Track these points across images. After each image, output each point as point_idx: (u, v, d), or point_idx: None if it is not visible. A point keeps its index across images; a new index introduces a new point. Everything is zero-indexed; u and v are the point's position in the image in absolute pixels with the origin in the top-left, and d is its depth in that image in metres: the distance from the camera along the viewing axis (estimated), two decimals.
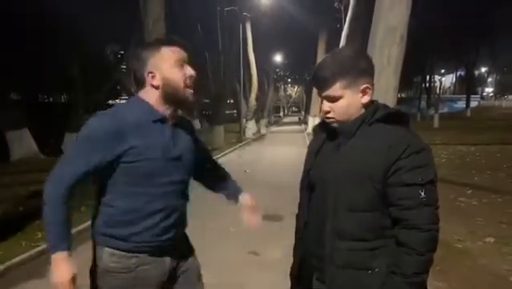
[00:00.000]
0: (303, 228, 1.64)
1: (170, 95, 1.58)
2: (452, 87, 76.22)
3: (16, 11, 12.45)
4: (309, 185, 1.62)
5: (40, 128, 13.05)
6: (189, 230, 1.88)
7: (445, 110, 44.77)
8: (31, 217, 5.47)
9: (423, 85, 40.99)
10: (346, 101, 1.46)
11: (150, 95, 1.59)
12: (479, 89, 64.45)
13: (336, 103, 1.47)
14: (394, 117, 1.46)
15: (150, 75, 1.56)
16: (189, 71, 1.62)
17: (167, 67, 1.56)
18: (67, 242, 1.50)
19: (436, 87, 50.19)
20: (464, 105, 40.01)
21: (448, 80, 74.63)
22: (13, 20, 12.80)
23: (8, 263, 4.04)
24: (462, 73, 56.04)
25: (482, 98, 61.89)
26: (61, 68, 15.38)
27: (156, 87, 1.57)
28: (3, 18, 12.24)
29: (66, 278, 1.47)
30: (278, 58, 33.54)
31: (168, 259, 1.67)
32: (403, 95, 57.73)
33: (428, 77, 39.24)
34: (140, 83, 1.60)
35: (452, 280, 3.68)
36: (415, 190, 1.35)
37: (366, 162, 1.40)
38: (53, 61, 15.85)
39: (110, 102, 21.28)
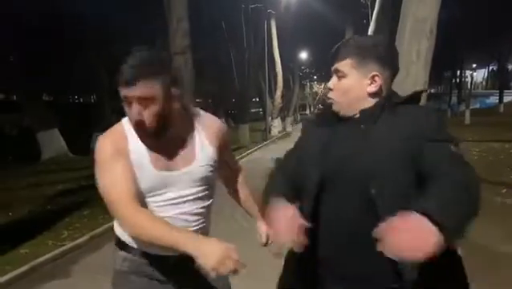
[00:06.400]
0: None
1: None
2: (484, 82, 73.96)
3: (48, 15, 12.83)
4: (317, 185, 1.38)
5: (70, 128, 13.37)
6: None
7: (477, 106, 43.47)
8: (59, 216, 5.56)
9: (453, 80, 39.91)
10: (350, 82, 1.36)
11: None
12: None
13: (340, 82, 1.38)
14: (416, 97, 1.42)
15: None
16: (133, 114, 1.37)
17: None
18: None
19: (467, 82, 48.86)
20: (497, 100, 38.72)
21: (479, 75, 72.41)
22: (44, 23, 13.18)
23: (32, 263, 4.09)
24: (495, 67, 54.28)
25: None
26: (89, 69, 15.75)
27: None
28: (36, 22, 12.62)
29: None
30: (303, 55, 33.18)
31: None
32: (432, 90, 56.38)
33: (458, 72, 38.18)
34: None
35: (491, 287, 3.48)
36: (446, 145, 1.25)
37: (405, 142, 1.26)
38: (82, 63, 16.23)
39: None
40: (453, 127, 19.32)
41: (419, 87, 4.96)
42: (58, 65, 17.08)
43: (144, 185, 1.46)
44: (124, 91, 1.36)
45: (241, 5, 17.18)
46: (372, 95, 1.37)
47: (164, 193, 1.50)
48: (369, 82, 1.35)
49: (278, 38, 21.43)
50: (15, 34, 11.48)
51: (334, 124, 1.44)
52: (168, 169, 1.49)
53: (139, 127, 1.39)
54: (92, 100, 32.47)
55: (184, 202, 1.54)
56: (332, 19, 21.66)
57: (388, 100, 1.36)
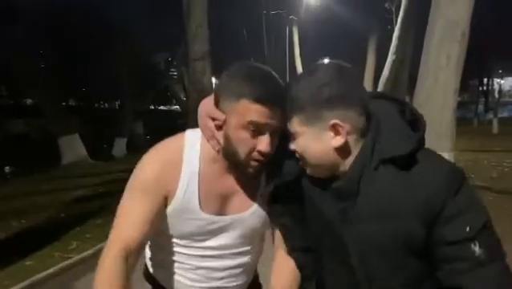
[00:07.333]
0: None
1: (228, 154, 1.17)
2: None
3: (76, 23, 13.11)
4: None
5: (92, 133, 13.45)
6: None
7: (505, 114, 42.32)
8: (70, 225, 5.43)
9: (480, 88, 39.01)
10: (307, 141, 1.04)
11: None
12: None
13: (298, 142, 1.07)
14: (414, 152, 1.00)
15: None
16: (263, 145, 1.12)
17: (235, 123, 1.11)
18: None
19: (494, 89, 47.70)
20: None
21: (507, 83, 70.57)
22: (72, 30, 13.45)
23: (33, 278, 3.83)
24: None
25: None
26: (113, 76, 15.97)
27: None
28: (64, 28, 12.87)
29: None
30: (325, 62, 32.92)
31: None
32: (458, 98, 55.34)
33: (485, 79, 37.27)
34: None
35: None
36: (466, 247, 0.95)
37: (395, 229, 1.00)
38: (106, 69, 16.47)
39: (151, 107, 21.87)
40: (480, 136, 18.77)
41: (448, 95, 4.68)
42: (83, 71, 17.38)
43: (184, 228, 1.21)
44: (264, 118, 1.09)
45: (263, 11, 17.11)
46: (341, 149, 1.03)
47: (204, 240, 1.25)
48: (332, 134, 1.01)
49: (299, 44, 21.26)
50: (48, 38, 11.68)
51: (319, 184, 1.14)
52: (218, 213, 1.23)
53: (261, 161, 1.14)
54: (117, 106, 33.03)
55: (223, 255, 1.29)
56: (356, 25, 21.29)
57: (368, 157, 1.03)
